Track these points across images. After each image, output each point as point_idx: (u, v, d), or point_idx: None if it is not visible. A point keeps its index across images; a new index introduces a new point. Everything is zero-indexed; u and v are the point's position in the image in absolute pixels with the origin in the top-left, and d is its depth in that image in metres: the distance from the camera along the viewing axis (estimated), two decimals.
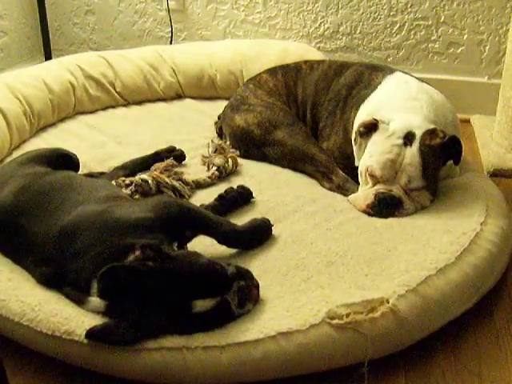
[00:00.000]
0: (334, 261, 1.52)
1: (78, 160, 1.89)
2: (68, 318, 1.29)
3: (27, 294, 1.37)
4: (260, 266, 1.51)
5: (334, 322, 1.26)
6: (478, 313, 1.51)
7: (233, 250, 1.58)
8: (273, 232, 1.66)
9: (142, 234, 1.36)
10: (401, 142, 1.80)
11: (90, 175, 1.98)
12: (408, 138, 1.80)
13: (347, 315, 1.27)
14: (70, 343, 1.27)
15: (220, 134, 2.38)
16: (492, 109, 2.74)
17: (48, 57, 3.39)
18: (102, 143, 2.35)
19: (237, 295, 1.29)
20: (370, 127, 1.86)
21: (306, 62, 2.41)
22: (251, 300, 1.33)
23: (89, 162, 2.14)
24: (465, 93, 2.95)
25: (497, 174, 2.38)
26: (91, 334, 1.23)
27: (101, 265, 1.28)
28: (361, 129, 1.88)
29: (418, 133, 1.81)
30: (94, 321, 1.27)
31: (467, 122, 2.93)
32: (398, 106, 1.91)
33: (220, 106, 2.70)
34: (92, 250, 1.34)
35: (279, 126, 2.16)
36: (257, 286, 1.35)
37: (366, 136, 1.88)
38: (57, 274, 1.39)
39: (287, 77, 2.35)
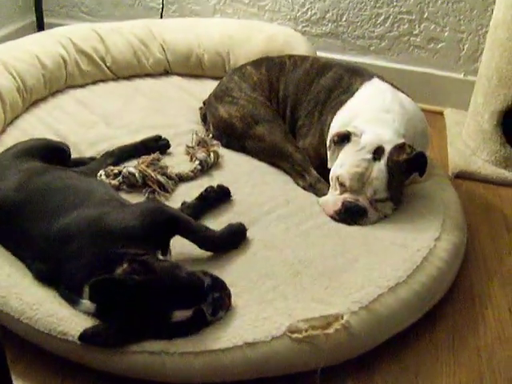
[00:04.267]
0: (300, 270, 1.70)
1: (69, 151, 2.04)
2: (63, 319, 1.46)
3: (26, 291, 1.53)
4: (233, 271, 1.68)
5: (294, 335, 1.44)
6: (421, 324, 1.71)
7: (210, 253, 1.75)
8: (247, 235, 1.83)
9: (130, 243, 1.52)
10: (370, 156, 1.95)
11: (82, 162, 2.12)
12: (377, 153, 1.95)
13: (306, 330, 1.45)
14: (64, 342, 1.44)
15: (204, 120, 2.51)
16: (465, 104, 2.89)
17: (39, 17, 3.44)
18: (91, 123, 2.46)
19: (211, 305, 1.47)
20: (344, 137, 2.01)
21: (290, 57, 2.51)
22: (223, 308, 1.51)
23: (79, 144, 2.28)
24: (441, 86, 3.10)
25: (460, 176, 2.55)
26: (83, 336, 1.41)
27: (92, 271, 1.45)
28: (335, 138, 2.03)
29: (387, 148, 1.96)
30: (86, 322, 1.45)
31: (441, 114, 3.09)
32: (371, 117, 2.05)
33: (206, 84, 2.84)
34: (85, 255, 1.50)
35: (260, 122, 2.30)
36: (229, 296, 1.53)
37: (339, 144, 2.03)
38: (52, 272, 1.55)
39: (271, 72, 2.46)
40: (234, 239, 1.79)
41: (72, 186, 1.74)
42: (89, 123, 2.46)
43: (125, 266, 1.44)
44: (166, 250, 1.63)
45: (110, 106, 2.62)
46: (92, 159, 2.18)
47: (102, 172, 2.07)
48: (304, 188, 2.15)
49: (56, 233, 1.58)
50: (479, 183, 2.54)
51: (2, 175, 1.79)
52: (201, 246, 1.71)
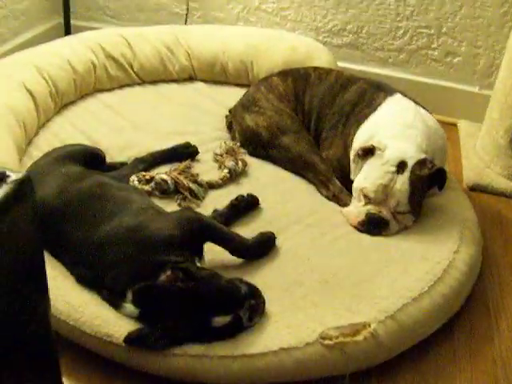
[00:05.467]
0: (327, 279, 1.79)
1: (104, 156, 2.14)
2: (107, 321, 1.55)
3: (70, 294, 1.62)
4: (264, 279, 1.76)
5: (326, 342, 1.54)
6: (441, 333, 1.80)
7: (241, 260, 1.84)
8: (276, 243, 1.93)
9: (170, 251, 1.61)
10: (394, 169, 2.04)
11: (114, 166, 2.21)
12: (400, 167, 2.04)
13: (336, 337, 1.55)
14: (109, 344, 1.54)
15: (230, 128, 2.60)
16: (479, 117, 2.98)
17: (67, 19, 3.52)
18: (120, 128, 2.54)
19: (248, 311, 1.57)
20: (368, 151, 2.10)
21: (315, 69, 2.60)
22: (258, 314, 1.60)
23: (110, 149, 2.36)
24: (456, 99, 3.19)
25: (474, 189, 2.64)
26: (128, 339, 1.50)
27: (135, 277, 1.55)
28: (359, 152, 2.12)
29: (410, 162, 2.05)
30: (129, 325, 1.54)
31: (455, 125, 3.18)
32: (395, 133, 2.14)
33: (229, 91, 2.94)
34: (127, 263, 1.59)
35: (286, 132, 2.39)
36: (264, 303, 1.62)
37: (363, 158, 2.12)
38: (93, 277, 1.64)
39: (297, 83, 2.55)
40: (265, 247, 1.88)
41: (111, 193, 1.82)
42: (118, 128, 2.55)
43: (168, 273, 1.53)
44: (200, 256, 1.72)
45: (137, 111, 2.70)
46: (123, 164, 2.27)
47: (134, 177, 2.15)
48: (327, 198, 2.24)
49: (97, 240, 1.67)
50: (492, 196, 2.63)
51: (42, 180, 1.87)
52: (233, 253, 1.81)
